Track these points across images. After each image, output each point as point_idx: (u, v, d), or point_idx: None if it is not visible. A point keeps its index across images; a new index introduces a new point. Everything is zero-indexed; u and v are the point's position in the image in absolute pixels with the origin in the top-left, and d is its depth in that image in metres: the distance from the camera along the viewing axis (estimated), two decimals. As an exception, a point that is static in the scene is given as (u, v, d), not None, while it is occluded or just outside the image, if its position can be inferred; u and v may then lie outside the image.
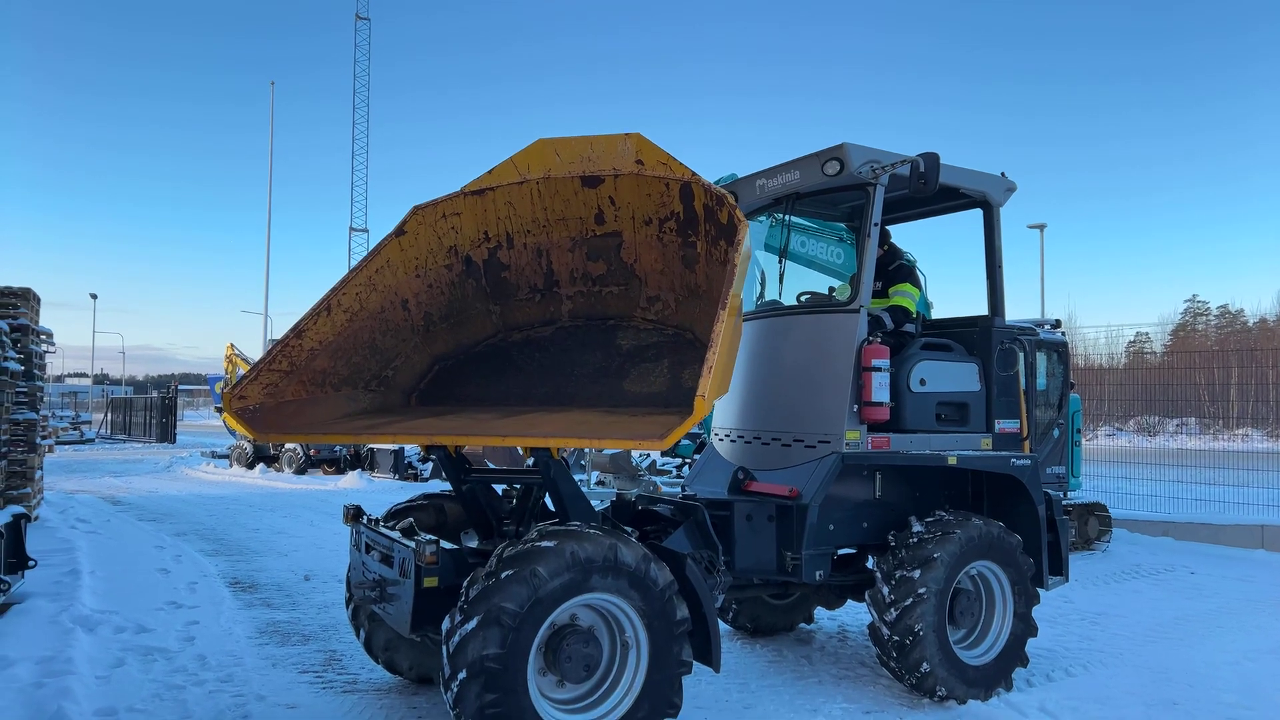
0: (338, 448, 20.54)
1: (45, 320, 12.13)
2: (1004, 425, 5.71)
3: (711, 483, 5.61)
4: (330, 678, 5.34)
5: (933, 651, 4.92)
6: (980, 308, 5.99)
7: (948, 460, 5.33)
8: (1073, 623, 7.00)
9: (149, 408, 39.57)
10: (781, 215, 5.94)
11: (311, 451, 20.92)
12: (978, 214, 6.05)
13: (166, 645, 5.84)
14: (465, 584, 3.79)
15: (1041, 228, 34.02)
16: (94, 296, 60.38)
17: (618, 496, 5.51)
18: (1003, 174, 5.97)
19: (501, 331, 5.48)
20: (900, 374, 5.27)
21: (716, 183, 4.61)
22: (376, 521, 4.93)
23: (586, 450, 13.07)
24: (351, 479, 18.78)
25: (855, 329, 5.16)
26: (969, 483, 5.90)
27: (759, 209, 6.08)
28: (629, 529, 4.71)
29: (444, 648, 3.68)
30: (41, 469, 12.04)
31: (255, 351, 26.46)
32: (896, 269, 5.97)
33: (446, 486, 5.36)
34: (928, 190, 5.07)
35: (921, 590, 4.90)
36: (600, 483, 13.62)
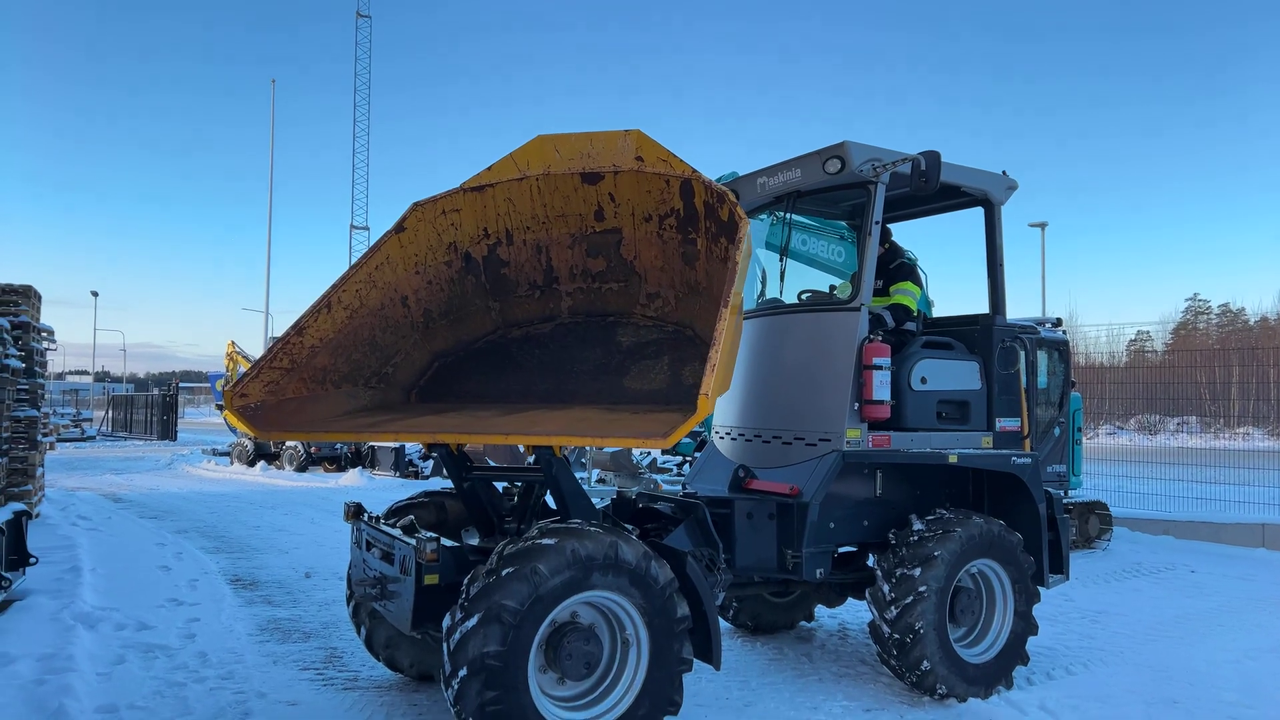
0: (339, 445, 20.55)
1: (46, 317, 12.15)
2: (1005, 423, 5.71)
3: (712, 480, 5.61)
4: (331, 675, 5.35)
5: (933, 649, 4.92)
6: (981, 306, 6.00)
7: (948, 458, 5.33)
8: (1073, 621, 7.00)
9: (150, 405, 39.62)
10: (782, 213, 5.94)
11: (312, 449, 20.94)
12: (979, 212, 6.04)
13: (167, 642, 5.85)
14: (466, 581, 3.79)
15: (1043, 226, 33.98)
16: (95, 294, 60.40)
17: (618, 494, 5.51)
18: (1004, 172, 5.97)
19: (501, 328, 5.48)
20: (901, 372, 5.27)
21: (717, 181, 4.61)
22: (377, 519, 4.93)
23: (587, 448, 13.07)
24: (352, 476, 18.79)
25: (856, 327, 5.16)
26: (970, 481, 5.90)
27: (760, 207, 6.07)
28: (630, 527, 4.71)
29: (445, 645, 3.68)
30: (43, 466, 12.05)
31: (256, 349, 26.48)
32: (897, 267, 5.97)
33: (447, 484, 5.36)
34: (929, 188, 5.07)
35: (922, 588, 4.90)
36: (601, 480, 13.63)
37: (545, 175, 4.90)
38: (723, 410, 5.95)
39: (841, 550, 5.60)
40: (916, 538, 5.08)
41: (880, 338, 5.19)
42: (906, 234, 6.81)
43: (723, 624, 6.16)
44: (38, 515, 10.94)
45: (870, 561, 5.66)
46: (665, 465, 14.37)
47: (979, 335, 5.79)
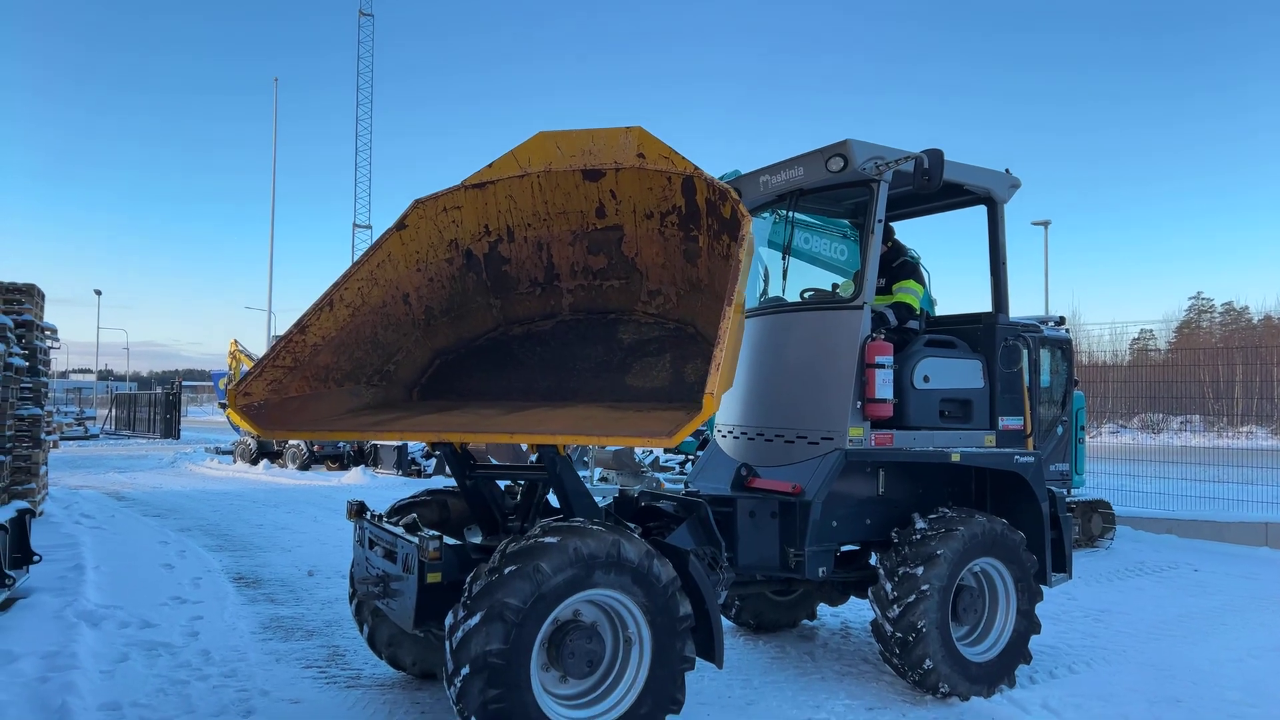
0: (341, 443, 20.57)
1: (49, 316, 12.17)
2: (1007, 422, 5.71)
3: (715, 479, 5.61)
4: (334, 673, 5.36)
5: (936, 648, 4.92)
6: (984, 304, 5.99)
7: (951, 457, 5.32)
8: (1076, 620, 6.99)
9: (153, 403, 39.68)
10: (785, 212, 5.93)
11: (315, 447, 20.96)
12: (982, 210, 6.04)
13: (170, 640, 5.86)
14: (468, 580, 3.80)
15: (1046, 224, 33.92)
16: (98, 292, 60.51)
17: (621, 493, 5.51)
18: (1007, 170, 5.96)
19: (502, 325, 5.48)
20: (904, 371, 5.26)
21: (720, 179, 4.61)
22: (380, 517, 4.93)
23: (590, 446, 13.08)
24: (355, 475, 18.81)
25: (859, 326, 5.16)
26: (973, 480, 5.89)
27: (762, 205, 6.07)
28: (632, 525, 4.71)
29: (447, 643, 3.69)
30: (46, 465, 12.08)
31: (259, 347, 26.52)
32: (900, 266, 5.96)
33: (449, 482, 5.36)
34: (932, 187, 5.06)
35: (924, 587, 4.90)
36: (603, 479, 13.63)
37: (546, 172, 4.90)
38: (725, 409, 5.95)
39: (844, 549, 5.60)
40: (919, 536, 5.08)
41: (883, 336, 5.18)
42: (909, 232, 6.81)
43: (725, 622, 6.16)
44: (41, 513, 10.97)
45: (873, 560, 5.67)
46: (668, 464, 14.37)
47: (982, 334, 5.78)
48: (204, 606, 6.86)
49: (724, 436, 5.99)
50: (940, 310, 7.91)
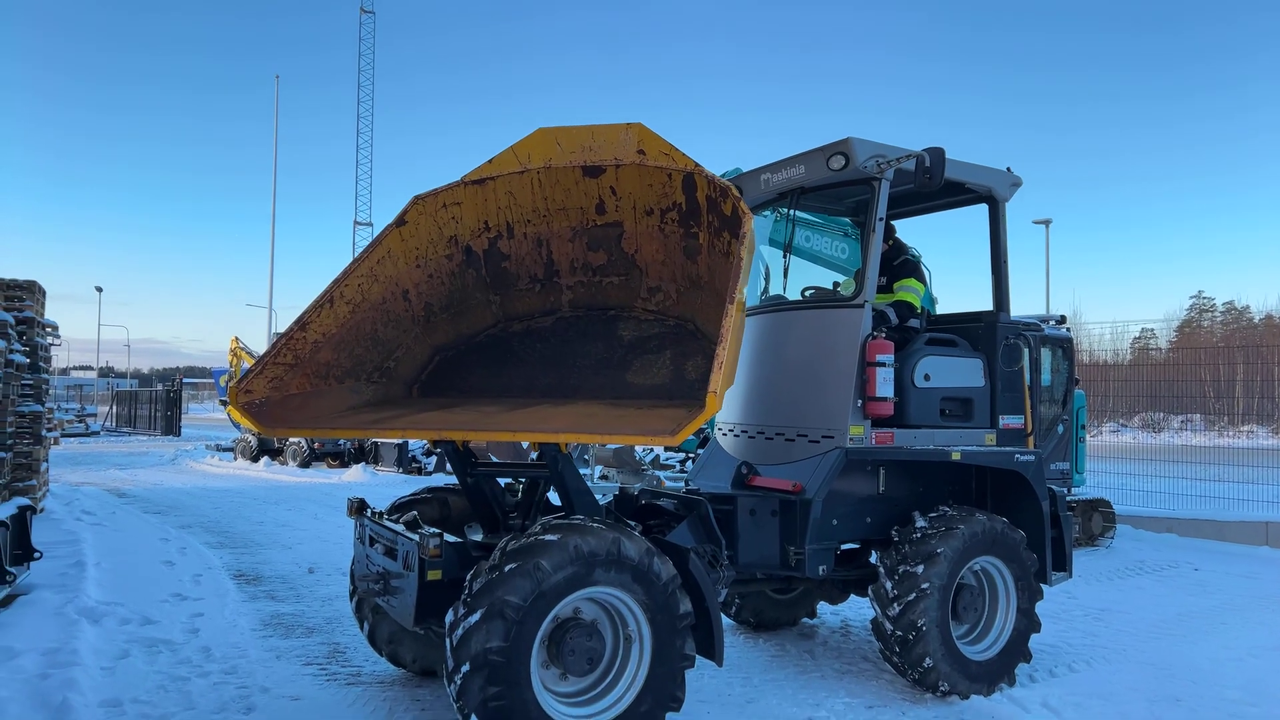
0: (342, 441, 20.57)
1: (50, 313, 12.17)
2: (1008, 421, 5.70)
3: (715, 477, 5.61)
4: (334, 670, 5.36)
5: (936, 646, 4.92)
6: (985, 303, 5.99)
7: (952, 455, 5.32)
8: (1076, 619, 6.99)
9: (154, 401, 39.69)
10: (786, 210, 5.93)
11: (315, 445, 20.96)
12: (983, 209, 6.03)
13: (171, 637, 5.86)
14: (469, 577, 3.80)
15: (1047, 223, 33.94)
16: (99, 289, 60.57)
17: (621, 490, 5.51)
18: (1008, 169, 5.95)
19: (502, 322, 5.48)
20: (905, 369, 5.26)
21: (721, 177, 4.60)
22: (380, 514, 4.94)
23: (591, 444, 13.08)
24: (355, 472, 18.82)
25: (860, 324, 5.15)
26: (973, 478, 5.89)
27: (764, 203, 6.07)
28: (632, 523, 4.71)
29: (447, 641, 3.69)
30: (47, 461, 12.08)
31: (260, 344, 26.52)
32: (901, 264, 5.96)
33: (450, 480, 5.36)
34: (933, 185, 5.06)
35: (925, 585, 4.90)
36: (604, 477, 13.63)
37: (546, 168, 4.89)
38: (726, 407, 5.95)
39: (844, 547, 5.60)
40: (919, 535, 5.08)
41: (884, 335, 5.18)
42: (910, 230, 6.81)
43: (725, 620, 6.16)
44: (42, 510, 10.97)
45: (873, 558, 5.67)
46: (668, 461, 14.37)
47: (983, 332, 5.78)
48: (205, 603, 6.87)
49: (724, 435, 5.99)
50: (941, 309, 7.92)
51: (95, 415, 43.05)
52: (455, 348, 5.43)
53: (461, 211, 5.06)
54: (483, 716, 3.59)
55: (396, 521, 4.70)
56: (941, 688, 4.97)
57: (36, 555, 6.84)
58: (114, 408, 45.53)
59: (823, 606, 6.91)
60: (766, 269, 6.26)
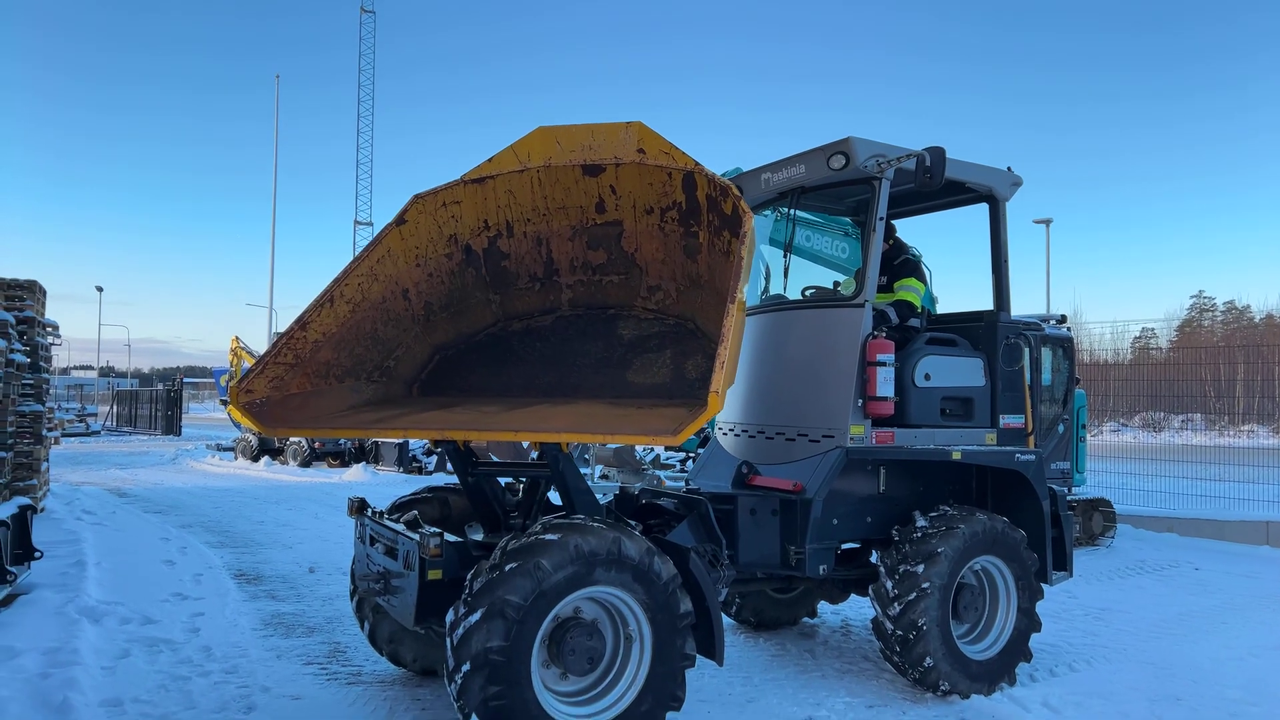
0: (342, 440, 20.58)
1: (51, 312, 12.18)
2: (1009, 420, 5.70)
3: (715, 477, 5.61)
4: (335, 669, 5.36)
5: (936, 646, 4.92)
6: (985, 302, 5.99)
7: (952, 455, 5.32)
8: (1077, 618, 6.99)
9: (154, 400, 39.70)
10: (786, 209, 5.93)
11: (316, 444, 20.96)
12: (983, 208, 6.03)
13: (172, 636, 5.87)
14: (469, 577, 3.80)
15: (1047, 223, 33.92)
16: (99, 289, 60.63)
17: (621, 490, 5.51)
18: (1009, 168, 5.95)
19: (501, 321, 5.48)
20: (905, 369, 5.26)
21: (721, 176, 4.60)
22: (381, 514, 4.94)
23: (591, 443, 13.07)
24: (356, 472, 18.82)
25: (860, 324, 5.15)
26: (974, 478, 5.89)
27: (764, 203, 6.06)
28: (633, 523, 4.71)
29: (448, 640, 3.69)
30: (47, 461, 12.09)
31: (260, 344, 26.52)
32: (902, 263, 5.96)
33: (451, 479, 5.36)
34: (934, 184, 5.05)
35: (925, 585, 4.90)
36: (604, 476, 13.63)
37: (546, 167, 4.89)
38: (726, 406, 5.94)
39: (845, 546, 5.59)
40: (920, 534, 5.08)
41: (884, 334, 5.18)
42: (911, 230, 6.80)
43: (725, 620, 6.16)
44: (42, 510, 10.98)
45: (873, 558, 5.67)
46: (668, 461, 14.35)
47: (983, 332, 5.77)
48: (205, 603, 6.87)
49: (725, 434, 5.99)
50: (942, 308, 7.91)
51: (96, 415, 43.07)
52: (455, 347, 5.43)
53: (461, 210, 5.06)
54: (483, 716, 3.59)
55: (397, 521, 4.70)
56: (942, 687, 4.97)
57: (37, 555, 6.85)
58: (114, 407, 45.53)
59: (823, 606, 6.91)
60: (767, 268, 6.26)
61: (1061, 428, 10.00)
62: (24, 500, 7.07)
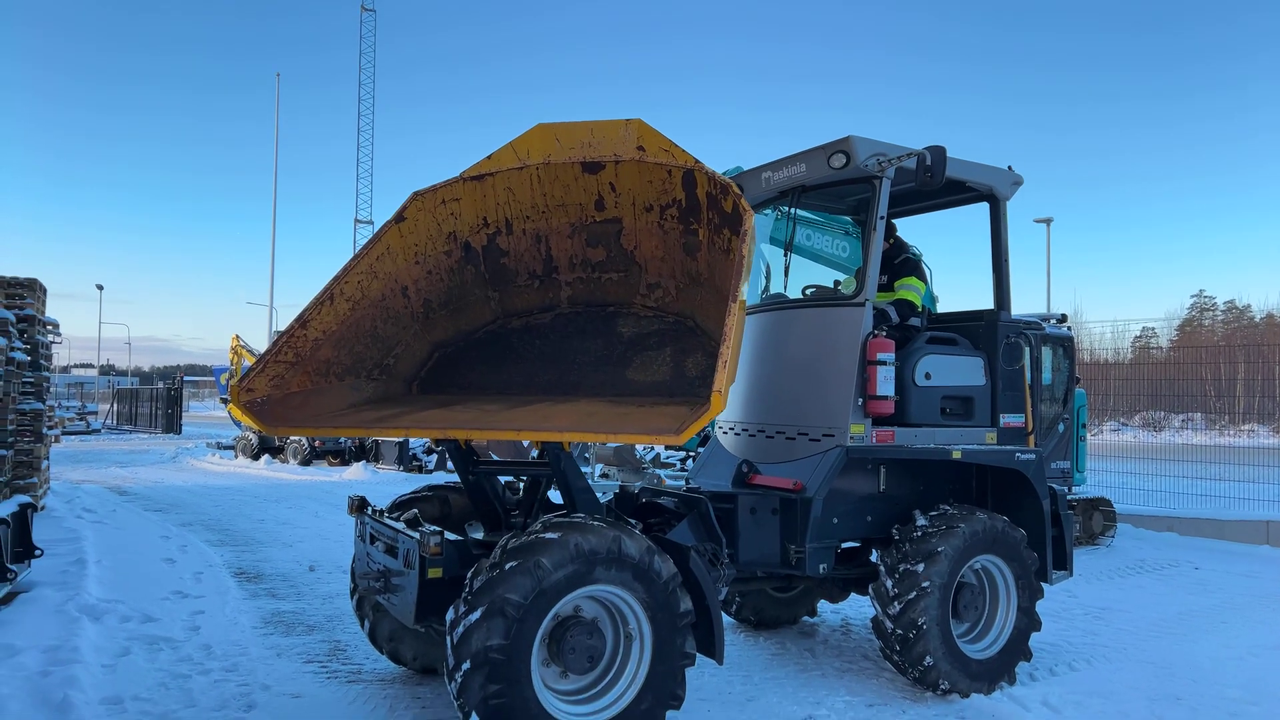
0: (342, 439, 20.58)
1: (51, 310, 12.18)
2: (1009, 419, 5.70)
3: (715, 476, 5.61)
4: (335, 668, 5.36)
5: (936, 645, 4.92)
6: (986, 301, 5.99)
7: (952, 454, 5.32)
8: (1076, 617, 6.99)
9: (155, 398, 39.71)
10: (787, 208, 5.92)
11: (316, 443, 20.96)
12: (984, 208, 6.03)
13: (172, 634, 5.87)
14: (469, 575, 3.80)
15: (1048, 222, 33.89)
16: (100, 287, 60.59)
17: (621, 489, 5.51)
18: (1009, 167, 5.95)
19: (500, 318, 5.47)
20: (905, 368, 5.26)
21: (722, 175, 4.60)
22: (381, 512, 4.94)
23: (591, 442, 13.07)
24: (356, 470, 18.83)
25: (860, 323, 5.15)
26: (974, 477, 5.89)
27: (764, 202, 6.06)
28: (633, 521, 4.71)
29: (448, 638, 3.69)
30: (48, 459, 12.09)
31: (260, 343, 26.52)
32: (902, 262, 5.95)
33: (451, 478, 5.37)
34: (934, 184, 5.05)
35: (925, 584, 4.90)
36: (604, 475, 13.63)
37: (545, 164, 4.88)
38: (727, 405, 5.94)
39: (845, 545, 5.59)
40: (920, 533, 5.08)
41: (885, 333, 5.18)
42: (911, 229, 6.80)
43: (725, 619, 6.16)
44: (43, 508, 10.98)
45: (873, 557, 5.67)
46: (669, 460, 14.35)
47: (984, 331, 5.77)
48: (205, 601, 6.87)
49: (725, 433, 5.99)
50: (942, 307, 7.91)
51: (96, 413, 43.09)
52: (454, 344, 5.43)
53: (460, 208, 5.06)
54: (483, 714, 3.59)
55: (397, 519, 4.70)
56: (942, 686, 4.97)
57: (37, 553, 6.85)
58: (115, 405, 45.54)
59: (823, 605, 6.91)
60: (767, 267, 6.26)
61: (1062, 427, 10.00)
62: (24, 498, 7.07)
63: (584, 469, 12.92)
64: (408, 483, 16.29)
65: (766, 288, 6.22)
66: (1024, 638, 5.36)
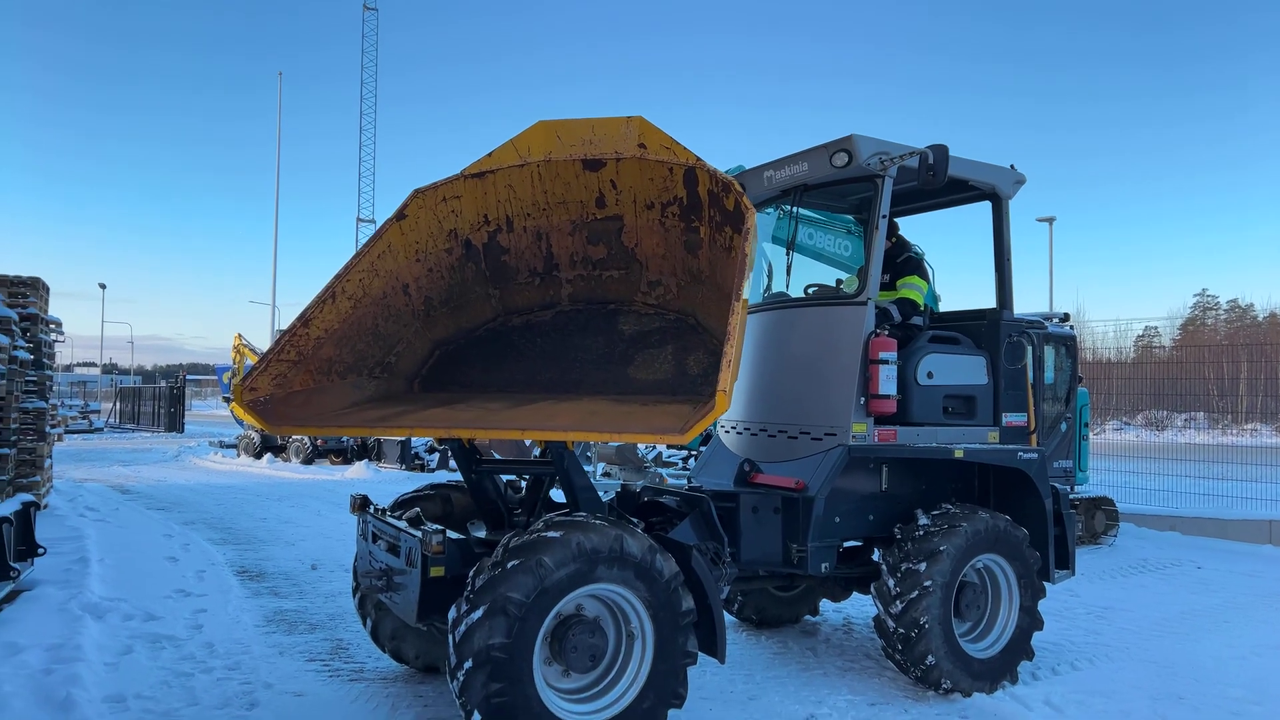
0: (345, 438, 20.59)
1: (54, 309, 12.20)
2: (1011, 419, 5.70)
3: (717, 474, 5.61)
4: (337, 666, 5.37)
5: (938, 644, 4.91)
6: (988, 300, 5.98)
7: (954, 453, 5.32)
8: (1079, 617, 6.98)
9: (157, 397, 39.74)
10: (789, 207, 5.92)
11: (319, 441, 20.98)
12: (986, 207, 6.02)
13: (175, 633, 5.88)
14: (471, 574, 3.80)
15: (1050, 221, 33.86)
16: (103, 286, 60.78)
17: (623, 488, 5.51)
18: (1012, 166, 5.94)
19: (501, 316, 5.47)
20: (907, 367, 5.25)
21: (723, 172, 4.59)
22: (383, 511, 4.94)
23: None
24: (358, 469, 18.84)
25: (863, 321, 5.15)
26: (976, 476, 5.88)
27: (767, 200, 6.06)
28: (635, 520, 4.71)
29: (450, 637, 3.69)
30: (51, 457, 12.11)
31: (262, 341, 26.54)
32: (904, 261, 5.95)
33: (453, 477, 5.37)
34: (937, 182, 5.04)
35: (927, 583, 4.90)
36: (606, 474, 13.63)
37: (546, 162, 4.88)
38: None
39: (847, 544, 5.59)
40: (922, 532, 5.07)
41: (887, 332, 5.17)
42: (914, 228, 6.79)
43: (727, 618, 6.16)
44: (46, 506, 11.00)
45: (875, 556, 5.67)
46: (671, 459, 14.35)
47: (986, 330, 5.77)
48: (208, 600, 6.88)
49: (727, 432, 5.99)
50: (944, 306, 7.90)
51: (99, 412, 43.15)
52: (455, 342, 5.43)
53: (461, 205, 5.05)
54: (485, 713, 3.59)
55: (399, 518, 4.70)
56: (944, 685, 4.97)
57: (40, 551, 6.86)
58: (117, 404, 45.59)
59: (825, 604, 6.91)
60: (770, 266, 6.25)
61: (1064, 426, 9.97)
62: (27, 497, 7.08)
63: (586, 468, 12.93)
64: (410, 481, 16.30)
65: (769, 286, 6.21)
66: (1026, 637, 5.36)
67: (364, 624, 5.14)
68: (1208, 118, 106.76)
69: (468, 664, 3.59)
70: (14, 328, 8.88)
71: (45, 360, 11.01)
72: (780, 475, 5.14)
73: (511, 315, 5.48)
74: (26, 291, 10.57)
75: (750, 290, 4.27)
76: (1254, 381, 16.72)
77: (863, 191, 5.75)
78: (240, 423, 22.73)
